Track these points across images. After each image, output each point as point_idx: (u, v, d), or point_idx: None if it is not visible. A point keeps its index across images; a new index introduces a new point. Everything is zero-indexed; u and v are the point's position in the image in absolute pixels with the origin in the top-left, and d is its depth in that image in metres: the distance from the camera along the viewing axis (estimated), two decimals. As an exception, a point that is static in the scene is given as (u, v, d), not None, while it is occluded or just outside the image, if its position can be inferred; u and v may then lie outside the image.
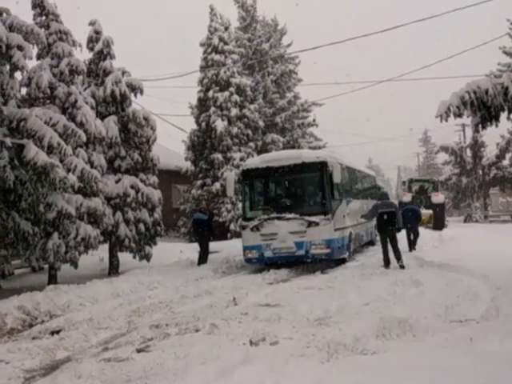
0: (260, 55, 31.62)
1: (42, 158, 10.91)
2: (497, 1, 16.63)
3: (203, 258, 15.99)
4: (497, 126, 9.43)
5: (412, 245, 17.70)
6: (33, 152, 10.90)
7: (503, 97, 8.84)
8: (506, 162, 43.37)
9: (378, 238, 18.45)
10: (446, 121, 9.26)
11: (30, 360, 6.57)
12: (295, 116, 32.47)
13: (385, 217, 13.84)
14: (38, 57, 13.78)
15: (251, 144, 27.69)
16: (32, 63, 12.98)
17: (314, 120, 33.67)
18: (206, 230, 16.23)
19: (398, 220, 14.00)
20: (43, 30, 13.49)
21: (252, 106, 28.19)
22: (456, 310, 7.80)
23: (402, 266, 13.21)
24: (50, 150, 11.49)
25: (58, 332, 7.98)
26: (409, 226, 17.28)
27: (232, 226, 25.09)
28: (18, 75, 12.21)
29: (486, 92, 8.88)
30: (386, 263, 13.56)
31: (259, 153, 26.17)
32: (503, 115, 9.28)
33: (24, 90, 13.18)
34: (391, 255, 13.72)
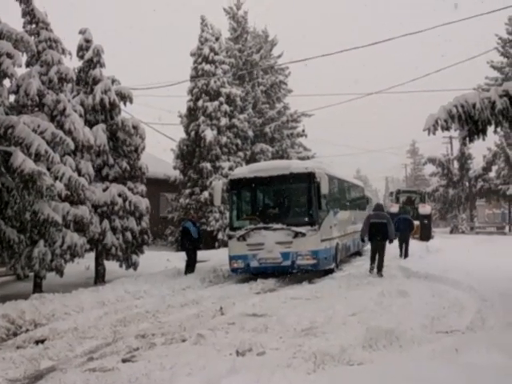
0: (250, 66, 31.73)
1: (29, 165, 10.85)
2: (486, 16, 16.82)
3: (191, 267, 15.94)
4: (484, 139, 9.52)
5: (405, 252, 18.85)
6: (20, 159, 10.84)
7: (490, 111, 8.92)
8: (492, 175, 43.79)
9: (366, 248, 20.09)
10: (434, 134, 9.33)
11: (14, 369, 6.50)
12: (284, 126, 32.58)
13: (375, 227, 14.52)
14: (27, 64, 13.73)
15: (240, 153, 27.73)
16: (21, 71, 12.96)
17: (303, 130, 33.76)
18: (194, 240, 16.19)
19: (390, 232, 14.60)
20: (33, 37, 13.47)
21: (241, 116, 28.27)
22: (442, 321, 7.84)
23: (381, 275, 13.99)
24: (37, 157, 11.43)
25: (42, 341, 7.90)
26: (401, 234, 18.44)
27: (220, 235, 25.05)
28: (6, 82, 12.19)
29: (474, 106, 8.96)
30: (371, 269, 14.47)
31: (248, 162, 26.22)
32: (490, 129, 9.38)
33: (12, 98, 13.13)
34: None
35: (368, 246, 22.09)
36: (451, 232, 41.56)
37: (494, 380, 4.78)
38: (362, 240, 16.32)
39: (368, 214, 15.78)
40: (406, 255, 18.80)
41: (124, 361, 6.59)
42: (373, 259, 14.58)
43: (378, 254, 14.49)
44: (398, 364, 5.61)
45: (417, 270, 13.90)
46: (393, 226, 14.99)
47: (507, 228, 43.40)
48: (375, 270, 14.41)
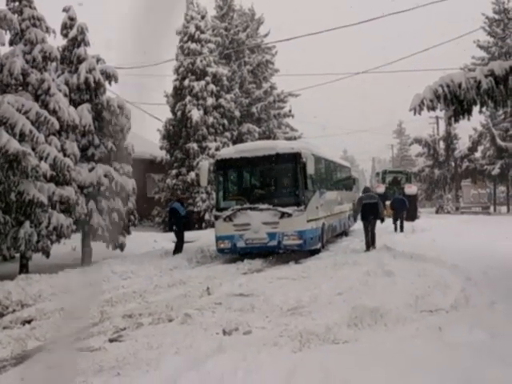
0: (237, 45, 31.47)
1: (13, 145, 10.75)
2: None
3: (179, 247, 15.97)
4: (469, 119, 9.56)
5: (401, 227, 21.77)
6: (4, 139, 10.73)
7: (476, 91, 8.96)
8: (478, 155, 44.03)
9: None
10: (420, 114, 9.36)
11: (1, 350, 6.53)
12: (271, 106, 32.49)
13: (367, 207, 15.50)
14: (11, 43, 13.52)
15: (227, 134, 27.63)
16: (4, 49, 12.79)
17: (289, 111, 33.70)
18: (182, 220, 16.21)
19: (380, 211, 15.65)
20: (16, 15, 13.28)
21: (228, 96, 28.09)
22: (427, 300, 7.94)
23: (374, 248, 15.04)
24: (21, 137, 11.33)
25: (29, 322, 7.93)
26: (396, 212, 22.04)
27: (207, 216, 25.04)
28: (-11, 61, 12.00)
29: (459, 86, 8.99)
30: (367, 246, 15.31)
31: (235, 143, 26.15)
32: (475, 109, 9.42)
33: (-5, 77, 12.93)
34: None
35: (354, 227, 22.52)
36: (437, 212, 41.87)
37: (475, 357, 4.87)
38: (355, 219, 17.90)
39: (360, 196, 16.93)
40: (401, 229, 21.60)
41: (111, 340, 6.63)
42: (367, 238, 15.46)
43: (370, 230, 15.45)
44: (382, 342, 5.69)
45: (402, 249, 14.03)
46: (382, 206, 15.93)
47: (492, 208, 43.86)
48: (371, 246, 15.30)
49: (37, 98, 13.09)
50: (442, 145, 46.65)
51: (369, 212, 15.47)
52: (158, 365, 5.40)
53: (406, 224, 22.47)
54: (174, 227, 16.21)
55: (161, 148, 28.00)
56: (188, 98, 26.06)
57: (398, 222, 21.92)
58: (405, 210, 22.43)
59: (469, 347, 5.17)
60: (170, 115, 27.46)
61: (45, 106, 12.95)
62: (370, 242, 15.34)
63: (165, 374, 5.04)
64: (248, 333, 6.59)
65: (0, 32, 11.37)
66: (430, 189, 47.26)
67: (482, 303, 7.30)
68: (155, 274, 12.37)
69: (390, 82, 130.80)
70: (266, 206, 14.10)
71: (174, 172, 26.38)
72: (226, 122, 27.64)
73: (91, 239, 15.53)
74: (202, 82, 26.30)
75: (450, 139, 45.09)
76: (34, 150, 11.84)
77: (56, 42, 16.57)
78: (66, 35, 15.82)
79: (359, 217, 16.69)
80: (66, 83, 15.09)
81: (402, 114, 74.23)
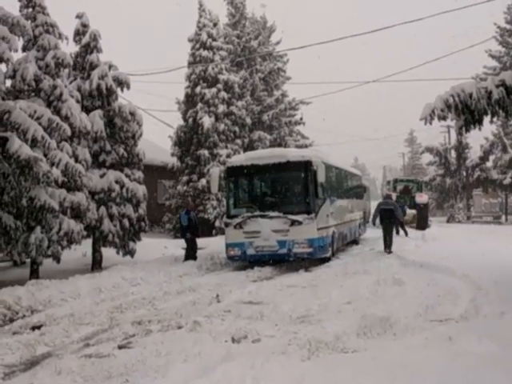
0: (248, 52, 31.57)
1: (25, 151, 10.82)
2: (485, 5, 16.74)
3: (190, 255, 15.95)
4: (480, 129, 9.49)
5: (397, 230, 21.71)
6: (16, 145, 10.81)
7: (487, 101, 8.90)
8: (489, 164, 43.75)
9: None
10: (430, 123, 9.30)
11: (11, 355, 6.53)
12: (282, 114, 32.50)
13: (383, 212, 17.46)
14: (24, 49, 13.65)
15: (238, 141, 27.66)
16: (17, 55, 12.89)
17: (301, 118, 33.71)
18: (186, 230, 16.25)
19: (397, 215, 17.73)
20: (29, 21, 13.40)
21: (239, 103, 28.15)
22: (436, 310, 7.89)
23: (390, 252, 16.39)
24: (33, 143, 11.41)
25: (39, 327, 7.94)
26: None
27: (217, 223, 25.03)
28: (2, 67, 12.14)
29: (470, 96, 8.94)
30: (385, 247, 16.90)
31: (246, 150, 26.17)
32: (486, 119, 9.36)
33: (9, 82, 13.07)
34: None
35: (364, 235, 22.53)
36: (448, 221, 41.63)
37: (484, 368, 4.83)
38: (373, 223, 18.76)
39: (378, 202, 18.75)
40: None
41: (120, 347, 6.63)
42: (385, 240, 17.08)
43: (388, 233, 17.08)
44: (391, 352, 5.66)
45: (413, 258, 13.96)
46: (400, 211, 18.41)
47: (503, 217, 43.52)
48: (387, 249, 16.77)
49: (49, 104, 13.19)
50: (453, 154, 46.42)
51: (384, 216, 17.35)
52: (167, 372, 5.41)
53: (416, 233, 22.28)
54: (188, 235, 16.23)
55: (172, 154, 28.05)
56: (199, 105, 26.14)
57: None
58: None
59: (478, 357, 5.13)
60: (181, 122, 27.56)
61: (57, 112, 13.05)
62: (388, 244, 16.87)
63: (173, 382, 5.05)
64: (257, 341, 6.58)
65: (13, 38, 11.46)
66: (441, 198, 47.00)
67: (493, 313, 7.24)
68: (165, 281, 12.36)
69: (402, 90, 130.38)
70: (276, 213, 14.08)
71: (184, 178, 26.43)
72: (237, 129, 27.68)
73: (102, 245, 15.61)
74: (214, 90, 26.38)
75: (461, 148, 44.86)
76: (45, 155, 11.91)
77: (69, 49, 16.75)
78: (78, 41, 15.99)
79: (373, 221, 18.56)
80: (79, 89, 15.22)
81: (414, 122, 73.96)
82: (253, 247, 14.17)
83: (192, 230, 16.32)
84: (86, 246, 15.68)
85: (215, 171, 15.86)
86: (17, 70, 12.75)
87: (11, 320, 8.81)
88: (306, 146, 31.61)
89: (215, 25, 27.97)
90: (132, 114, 15.94)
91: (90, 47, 15.84)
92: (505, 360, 5.08)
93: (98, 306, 9.61)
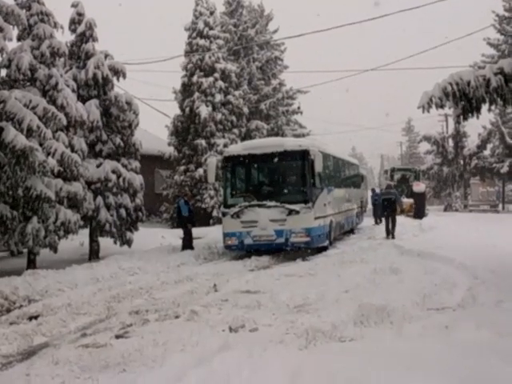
0: (245, 41, 31.42)
1: (21, 141, 10.76)
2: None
3: (187, 245, 15.96)
4: (478, 117, 9.45)
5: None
6: (12, 135, 10.74)
7: (485, 89, 8.86)
8: (486, 153, 43.76)
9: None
10: (428, 112, 9.27)
11: (7, 345, 6.52)
12: (280, 103, 32.42)
13: (385, 202, 18.59)
14: (19, 38, 13.55)
15: (235, 130, 27.58)
16: (12, 45, 12.79)
17: (298, 107, 33.63)
18: (183, 220, 16.24)
19: (398, 202, 18.97)
20: (24, 11, 13.29)
21: (237, 93, 28.04)
22: (433, 298, 7.88)
23: (393, 237, 17.66)
24: (29, 133, 11.33)
25: (36, 317, 7.93)
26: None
27: (215, 213, 25.02)
28: (-3, 56, 12.02)
29: (468, 84, 8.90)
30: (387, 234, 18.05)
31: (243, 139, 26.12)
32: (484, 107, 9.32)
33: (4, 72, 12.98)
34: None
35: (361, 225, 22.62)
36: (445, 210, 41.67)
37: (481, 356, 4.83)
38: (376, 222, 20.89)
39: (380, 192, 20.35)
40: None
41: (117, 337, 6.62)
42: (387, 227, 18.18)
43: (391, 220, 18.07)
44: (388, 340, 5.66)
45: (410, 247, 13.97)
46: (400, 199, 19.93)
47: (500, 206, 43.58)
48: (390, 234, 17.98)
49: (44, 94, 13.11)
50: (450, 142, 46.38)
51: (386, 205, 18.50)
52: (164, 362, 5.39)
53: (413, 222, 22.32)
54: (190, 225, 16.27)
55: (169, 144, 28.00)
56: (196, 94, 26.03)
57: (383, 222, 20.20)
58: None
59: (475, 346, 5.13)
60: (178, 111, 27.46)
61: (52, 101, 12.96)
62: (391, 231, 17.95)
63: (170, 371, 5.03)
64: (254, 330, 6.57)
65: (8, 27, 11.36)
66: (439, 186, 47.00)
67: (490, 302, 7.25)
68: (162, 271, 12.37)
69: (399, 79, 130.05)
70: (273, 203, 14.07)
71: (181, 168, 26.38)
72: (234, 118, 27.60)
73: (99, 235, 15.59)
74: (211, 79, 26.26)
75: (458, 137, 44.82)
76: (41, 145, 11.86)
77: (64, 38, 16.63)
78: (74, 31, 15.87)
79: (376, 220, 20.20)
80: (74, 79, 15.12)
81: (411, 111, 73.96)
82: (250, 237, 14.16)
83: (193, 220, 16.39)
84: (83, 235, 15.67)
85: (212, 161, 15.82)
86: (12, 60, 12.65)
87: (8, 310, 8.80)
88: (304, 136, 31.54)
89: (212, 13, 27.80)
90: (128, 103, 15.87)
91: (85, 36, 15.74)
92: (504, 348, 5.08)
93: (96, 295, 9.59)
